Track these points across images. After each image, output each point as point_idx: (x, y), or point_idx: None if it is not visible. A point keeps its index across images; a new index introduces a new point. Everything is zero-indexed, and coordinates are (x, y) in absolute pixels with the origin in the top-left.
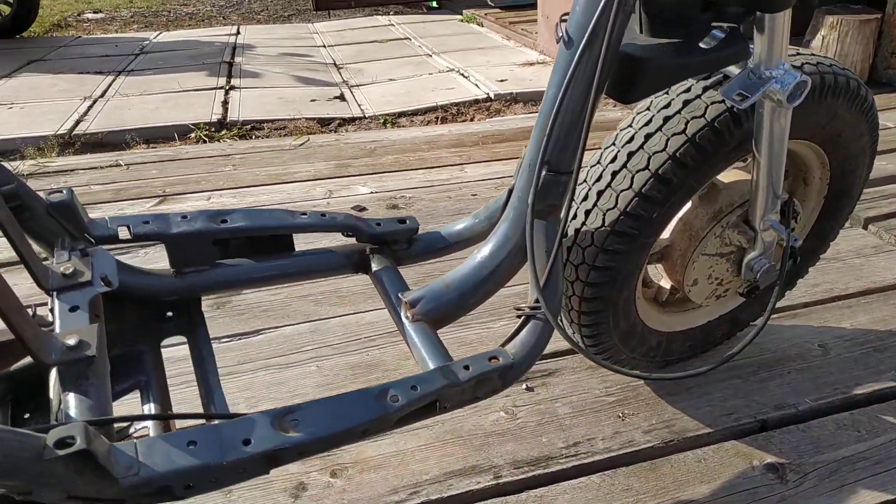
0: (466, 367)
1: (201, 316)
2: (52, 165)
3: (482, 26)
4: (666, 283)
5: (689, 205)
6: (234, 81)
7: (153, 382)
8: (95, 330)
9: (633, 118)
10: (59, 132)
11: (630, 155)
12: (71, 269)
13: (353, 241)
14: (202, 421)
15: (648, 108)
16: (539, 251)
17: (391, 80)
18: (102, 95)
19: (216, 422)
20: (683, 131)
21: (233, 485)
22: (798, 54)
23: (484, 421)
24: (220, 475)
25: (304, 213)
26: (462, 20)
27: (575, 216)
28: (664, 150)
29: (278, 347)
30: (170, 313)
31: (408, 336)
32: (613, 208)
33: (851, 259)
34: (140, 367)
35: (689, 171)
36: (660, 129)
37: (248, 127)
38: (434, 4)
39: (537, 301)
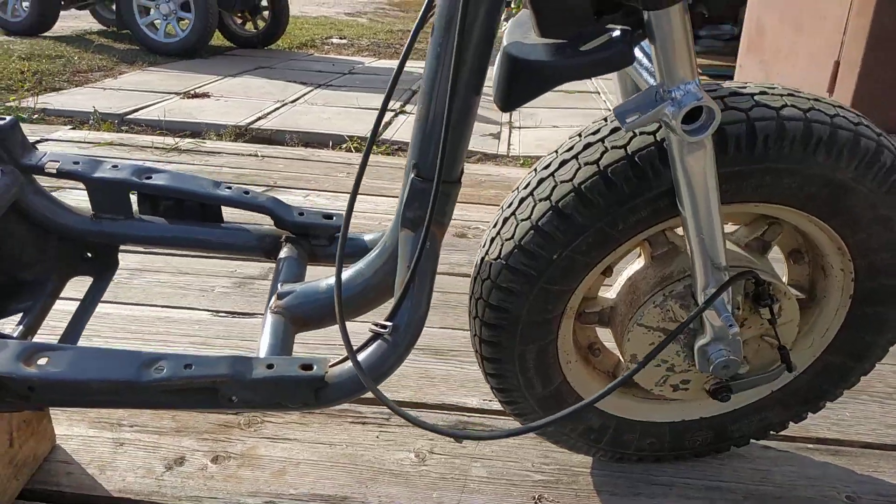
0: (270, 366)
1: (115, 265)
2: (204, 147)
3: None
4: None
5: (640, 263)
6: (407, 107)
7: (37, 308)
8: None
9: (565, 142)
10: (239, 124)
11: (540, 182)
12: None
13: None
14: None
15: (580, 135)
16: (404, 265)
17: (555, 126)
18: (293, 101)
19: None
20: (597, 161)
21: None
22: (814, 100)
23: (388, 456)
24: None
25: (230, 187)
26: None
27: (484, 244)
28: (571, 180)
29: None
30: (89, 254)
31: (263, 326)
32: (510, 239)
33: None
34: (38, 294)
35: (596, 211)
36: (577, 156)
37: (396, 147)
38: None
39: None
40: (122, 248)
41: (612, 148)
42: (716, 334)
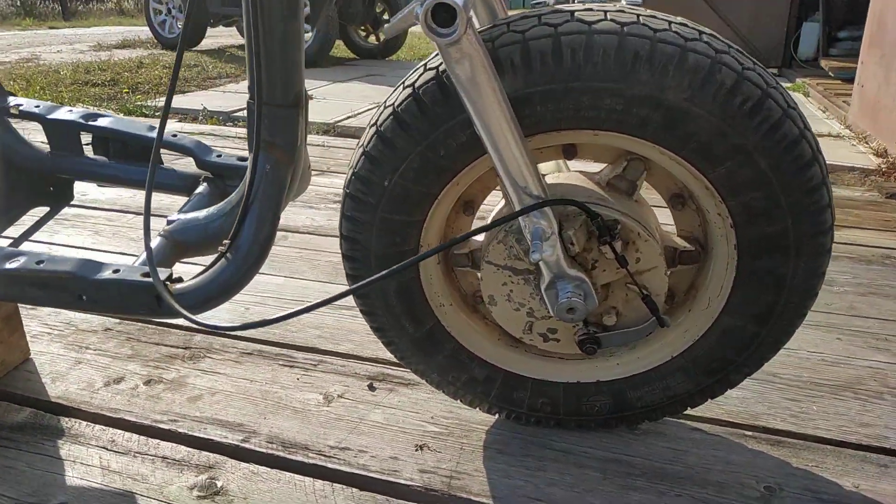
0: (116, 271)
1: (70, 197)
2: None
3: (807, 96)
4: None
5: (502, 202)
6: None
7: None
8: None
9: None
10: (327, 121)
11: (380, 110)
12: None
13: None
14: None
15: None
16: (245, 188)
17: None
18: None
19: None
20: (413, 83)
21: None
22: (648, 16)
23: (298, 395)
24: None
25: (173, 134)
26: (790, 87)
27: None
28: (393, 104)
29: None
30: (51, 188)
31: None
32: (351, 168)
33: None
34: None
35: (413, 134)
36: (406, 80)
37: None
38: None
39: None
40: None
41: (427, 69)
42: (553, 272)
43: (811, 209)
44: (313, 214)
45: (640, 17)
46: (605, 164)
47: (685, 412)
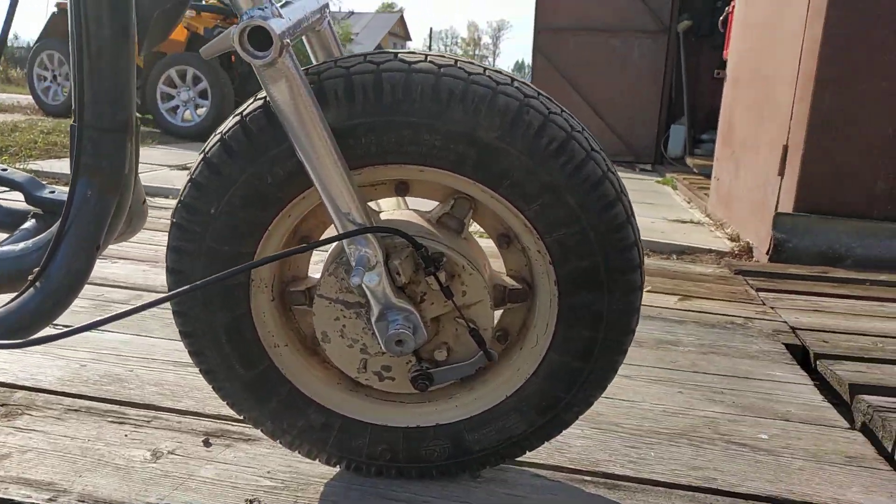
0: None
1: None
2: (169, 204)
3: (675, 189)
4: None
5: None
6: None
7: None
8: None
9: None
10: None
11: (212, 136)
12: None
13: None
14: None
15: None
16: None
17: None
18: None
19: None
20: (242, 111)
21: None
22: (464, 62)
23: (123, 452)
24: None
25: (3, 168)
26: (660, 181)
27: None
28: (222, 130)
29: None
30: None
31: None
32: (178, 197)
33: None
34: None
35: (239, 161)
36: (239, 110)
37: None
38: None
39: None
40: None
41: (257, 99)
42: (381, 303)
43: (619, 246)
44: None
45: (458, 62)
46: (437, 203)
47: (526, 458)
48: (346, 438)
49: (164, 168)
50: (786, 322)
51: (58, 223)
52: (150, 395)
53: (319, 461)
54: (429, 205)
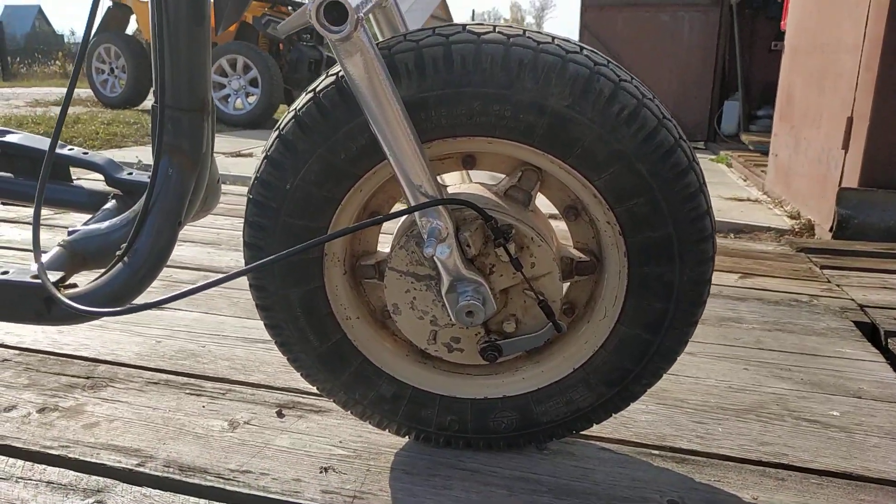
0: (5, 272)
1: None
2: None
3: (730, 167)
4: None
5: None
6: None
7: None
8: None
9: None
10: None
11: (286, 113)
12: None
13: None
14: None
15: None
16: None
17: None
18: None
19: None
20: (314, 88)
21: None
22: (532, 31)
23: (201, 422)
24: None
25: (72, 148)
26: (714, 159)
27: None
28: (295, 108)
29: None
30: None
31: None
32: (255, 172)
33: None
34: None
35: (314, 137)
36: (310, 87)
37: None
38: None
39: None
40: None
41: (329, 75)
42: (451, 275)
43: (691, 215)
44: (238, 257)
45: (526, 32)
46: (504, 176)
47: (591, 432)
48: (415, 409)
49: (218, 155)
50: (853, 300)
51: (141, 201)
52: (222, 370)
53: (389, 431)
54: (494, 178)
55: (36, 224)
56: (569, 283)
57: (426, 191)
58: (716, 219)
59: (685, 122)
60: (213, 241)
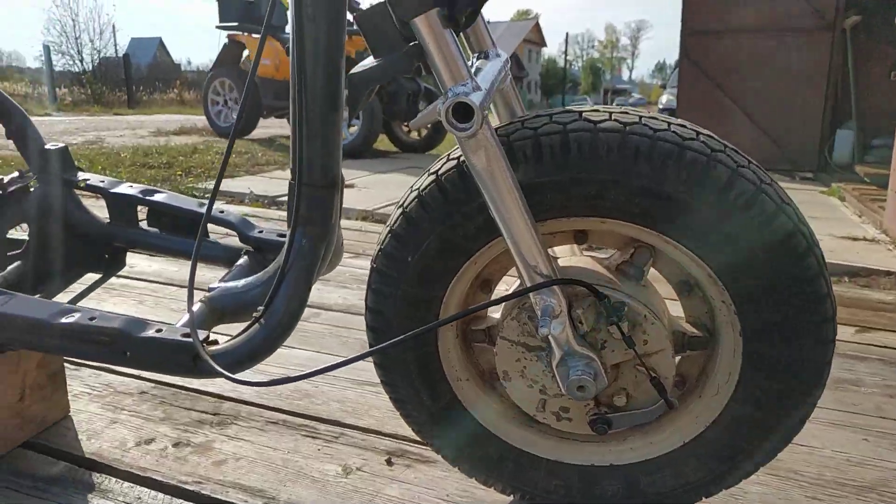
0: (159, 330)
1: (122, 265)
2: None
3: (843, 200)
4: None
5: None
6: None
7: (54, 291)
8: None
9: None
10: (366, 208)
11: (409, 191)
12: (5, 180)
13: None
14: None
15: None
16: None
17: None
18: None
19: None
20: (437, 170)
21: None
22: (648, 118)
23: (318, 466)
24: None
25: (219, 210)
26: (824, 192)
27: None
28: (418, 188)
29: None
30: (106, 255)
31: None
32: (378, 244)
33: None
34: (59, 281)
35: (432, 216)
36: (430, 168)
37: None
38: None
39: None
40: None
41: (450, 159)
42: (563, 350)
43: (810, 298)
44: (346, 294)
45: (642, 118)
46: (615, 250)
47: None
48: (520, 470)
49: None
50: None
51: (274, 263)
52: (335, 412)
53: (495, 489)
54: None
55: (190, 288)
56: (680, 357)
57: (540, 270)
58: (829, 260)
59: (793, 151)
60: (322, 277)
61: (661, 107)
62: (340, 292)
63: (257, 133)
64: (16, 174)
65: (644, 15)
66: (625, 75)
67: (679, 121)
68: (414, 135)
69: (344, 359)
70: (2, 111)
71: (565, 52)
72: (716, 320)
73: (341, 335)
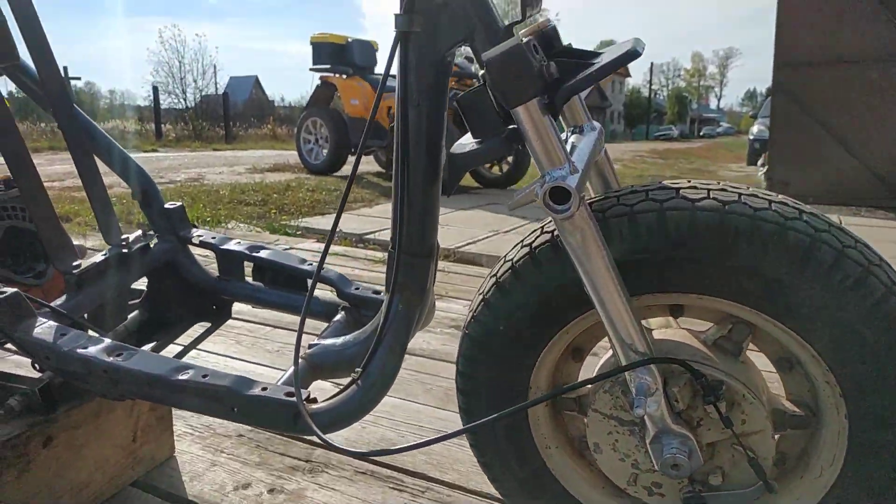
0: (264, 389)
1: (228, 315)
2: None
3: None
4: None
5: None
6: None
7: (167, 341)
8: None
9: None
10: (448, 247)
11: (499, 263)
12: (130, 238)
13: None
14: None
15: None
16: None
17: None
18: (506, 231)
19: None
20: (531, 243)
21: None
22: (748, 195)
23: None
24: None
25: (310, 264)
26: None
27: None
28: (511, 259)
29: None
30: (214, 306)
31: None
32: (471, 312)
33: None
34: (172, 331)
35: (526, 286)
36: (524, 240)
37: None
38: None
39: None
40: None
41: (544, 232)
42: (658, 427)
43: None
44: (430, 338)
45: (742, 196)
46: (712, 324)
47: None
48: None
49: None
50: None
51: (372, 322)
52: (420, 464)
53: None
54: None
55: (297, 347)
56: (779, 435)
57: (636, 347)
58: None
59: None
60: None
61: (752, 137)
62: (425, 336)
63: (345, 170)
64: (139, 233)
65: (733, 42)
66: (712, 104)
67: (781, 197)
68: (496, 170)
69: (438, 436)
70: (129, 175)
71: (650, 82)
72: (819, 400)
73: (425, 382)
